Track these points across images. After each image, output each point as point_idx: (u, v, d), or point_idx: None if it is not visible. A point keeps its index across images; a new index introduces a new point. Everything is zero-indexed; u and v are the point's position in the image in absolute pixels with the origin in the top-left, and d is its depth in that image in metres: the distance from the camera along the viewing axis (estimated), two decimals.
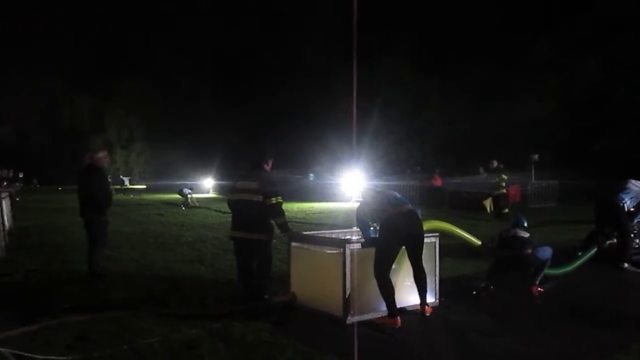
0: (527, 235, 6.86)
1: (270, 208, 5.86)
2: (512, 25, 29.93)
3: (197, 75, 49.17)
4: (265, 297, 5.96)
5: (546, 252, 6.90)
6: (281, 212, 5.96)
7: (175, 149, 48.16)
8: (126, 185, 50.08)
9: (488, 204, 17.52)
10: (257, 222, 5.87)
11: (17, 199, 16.06)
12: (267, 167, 6.18)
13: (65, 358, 4.19)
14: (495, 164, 17.27)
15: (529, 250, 6.69)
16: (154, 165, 56.54)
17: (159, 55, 51.37)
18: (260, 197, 5.83)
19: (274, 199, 5.84)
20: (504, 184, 16.89)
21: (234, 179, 6.33)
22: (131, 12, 51.60)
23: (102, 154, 7.36)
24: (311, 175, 33.13)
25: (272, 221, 5.98)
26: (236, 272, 6.21)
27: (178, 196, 23.91)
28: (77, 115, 57.77)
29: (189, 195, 22.34)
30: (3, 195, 11.40)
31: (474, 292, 6.28)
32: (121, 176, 52.60)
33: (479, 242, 8.27)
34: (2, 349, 4.10)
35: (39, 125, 54.65)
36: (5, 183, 12.77)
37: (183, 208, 20.96)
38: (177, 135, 48.49)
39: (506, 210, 16.26)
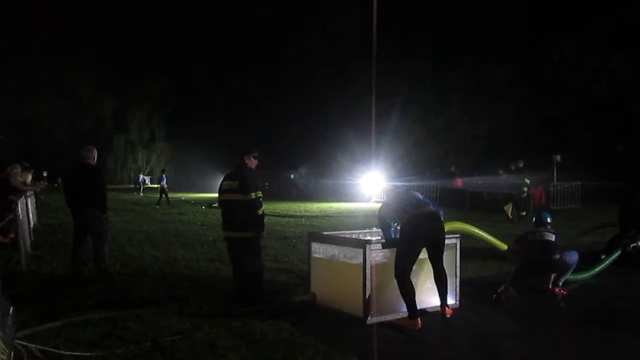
0: (554, 237, 6.75)
1: (250, 202, 5.86)
2: (534, 24, 29.58)
3: (217, 76, 49.53)
4: (265, 297, 5.98)
5: (573, 257, 6.80)
6: (259, 206, 5.93)
7: (195, 148, 48.52)
8: (147, 185, 50.64)
9: (509, 209, 16.80)
10: (244, 220, 5.90)
11: (42, 197, 16.32)
12: (250, 163, 6.12)
13: (89, 354, 4.25)
14: (521, 164, 16.94)
15: (557, 256, 6.59)
16: (175, 164, 57.10)
17: (180, 57, 51.90)
18: (241, 195, 5.87)
19: (253, 194, 5.87)
20: (525, 188, 16.47)
21: (223, 178, 6.27)
22: (153, 14, 52.21)
23: (92, 152, 7.33)
24: (292, 175, 33.20)
25: (254, 216, 5.94)
26: (232, 271, 6.22)
27: (194, 195, 24.37)
28: (100, 116, 58.62)
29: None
30: (28, 193, 11.60)
31: (494, 296, 6.22)
32: (142, 175, 53.20)
33: (506, 246, 8.19)
34: (28, 345, 4.17)
35: (62, 125, 55.46)
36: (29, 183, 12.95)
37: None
38: (197, 135, 48.83)
39: (524, 214, 15.87)
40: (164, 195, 23.07)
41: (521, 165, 16.86)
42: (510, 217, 16.19)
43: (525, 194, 16.67)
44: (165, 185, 23.70)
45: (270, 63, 43.15)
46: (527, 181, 16.66)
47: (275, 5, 43.03)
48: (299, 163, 35.61)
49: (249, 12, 45.35)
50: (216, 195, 6.37)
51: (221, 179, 6.24)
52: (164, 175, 24.25)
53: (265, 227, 6.24)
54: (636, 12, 25.80)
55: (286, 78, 41.18)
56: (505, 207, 16.73)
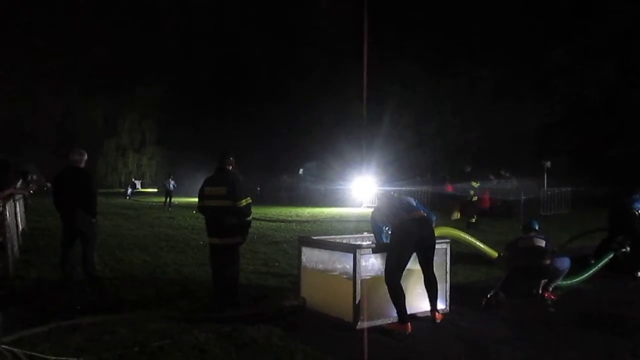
0: (544, 242, 6.76)
1: (240, 210, 5.91)
2: (525, 30, 29.77)
3: (208, 81, 49.44)
4: (239, 300, 6.01)
5: (564, 263, 6.81)
6: (249, 213, 6.04)
7: (186, 153, 48.41)
8: (138, 189, 50.44)
9: (457, 216, 16.36)
10: (231, 226, 5.94)
11: (29, 201, 16.17)
12: (231, 167, 6.22)
13: (77, 359, 4.21)
14: (469, 168, 16.51)
15: (548, 261, 6.60)
16: (166, 168, 56.95)
17: (172, 61, 51.77)
18: (230, 201, 5.89)
19: (244, 201, 5.92)
20: (472, 192, 15.69)
21: (203, 183, 6.27)
22: (146, 18, 52.09)
23: (82, 156, 7.26)
24: (301, 170, 33.49)
25: (243, 222, 6.01)
26: (211, 276, 6.23)
27: (185, 199, 24.71)
28: (91, 119, 58.35)
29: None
30: (17, 197, 11.50)
31: (484, 301, 6.23)
32: (133, 179, 53.00)
33: (495, 254, 8.21)
34: (15, 350, 4.13)
35: (53, 129, 55.17)
36: (18, 186, 12.82)
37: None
38: (188, 139, 48.72)
39: (473, 220, 15.29)
40: (168, 198, 24.42)
41: (469, 170, 16.27)
42: (455, 219, 15.76)
43: (473, 197, 15.77)
44: (172, 189, 25.02)
45: (261, 67, 43.10)
46: (475, 184, 15.78)
47: (266, 9, 43.03)
48: (289, 168, 35.58)
49: (240, 17, 45.32)
50: None
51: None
52: (170, 180, 25.59)
53: (250, 231, 6.28)
54: (625, 19, 26.05)
55: (277, 82, 41.17)
56: (454, 215, 16.30)
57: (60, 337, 4.71)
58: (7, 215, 8.41)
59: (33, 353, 4.18)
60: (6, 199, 8.88)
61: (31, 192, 16.16)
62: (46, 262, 8.53)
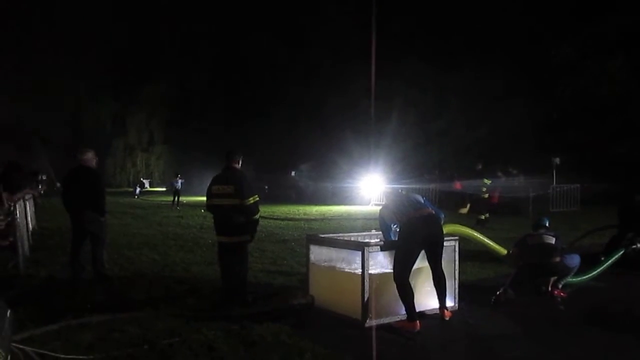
0: (553, 239, 6.72)
1: (247, 208, 5.92)
2: (533, 26, 29.60)
3: (215, 79, 49.52)
4: (248, 298, 6.03)
5: (574, 260, 6.77)
6: (256, 211, 6.04)
7: (194, 152, 48.52)
8: (146, 188, 50.65)
9: (465, 211, 16.16)
10: (239, 224, 5.95)
11: (39, 201, 16.28)
12: (238, 166, 6.23)
13: (87, 357, 4.24)
14: (480, 166, 16.37)
15: (557, 259, 6.56)
16: (174, 167, 57.11)
17: (180, 61, 51.93)
18: (237, 200, 5.90)
19: (251, 199, 5.94)
20: (484, 189, 15.56)
21: (211, 182, 6.27)
22: (152, 17, 52.23)
23: (91, 155, 7.29)
24: (293, 172, 33.63)
25: (251, 220, 6.03)
26: (220, 274, 6.25)
27: (193, 198, 24.87)
28: (100, 119, 58.64)
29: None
30: (27, 197, 11.58)
31: (493, 298, 6.21)
32: (142, 179, 53.22)
33: (505, 251, 8.17)
34: (25, 348, 4.15)
35: (61, 128, 55.48)
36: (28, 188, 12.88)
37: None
38: (196, 138, 48.82)
39: (483, 217, 15.07)
40: (177, 197, 24.64)
41: (480, 167, 16.11)
42: (459, 212, 15.73)
43: (485, 194, 15.64)
44: (180, 188, 25.34)
45: (269, 66, 43.12)
46: (487, 182, 15.57)
47: (273, 8, 43.02)
48: (298, 166, 35.65)
49: (247, 15, 45.34)
50: None
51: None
52: (178, 179, 25.93)
53: (258, 230, 6.29)
54: (636, 15, 25.82)
55: (285, 81, 41.18)
56: (462, 210, 16.15)
57: (71, 336, 4.74)
58: (17, 214, 8.48)
59: (43, 351, 4.21)
60: (17, 199, 8.96)
61: (41, 192, 16.28)
62: (56, 261, 8.59)
